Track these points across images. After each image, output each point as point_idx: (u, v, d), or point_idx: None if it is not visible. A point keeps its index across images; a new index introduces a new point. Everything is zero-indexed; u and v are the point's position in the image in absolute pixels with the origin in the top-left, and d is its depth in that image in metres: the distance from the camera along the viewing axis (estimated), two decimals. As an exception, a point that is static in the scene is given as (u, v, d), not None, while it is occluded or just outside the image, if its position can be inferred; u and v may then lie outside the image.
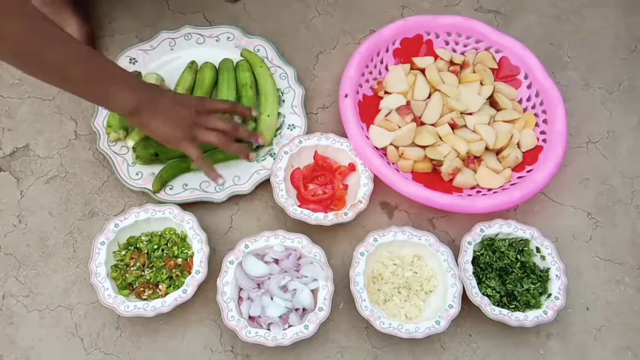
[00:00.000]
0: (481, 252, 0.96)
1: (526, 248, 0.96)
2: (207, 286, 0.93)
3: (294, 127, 1.06)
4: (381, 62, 1.11)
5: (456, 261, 0.94)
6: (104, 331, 0.93)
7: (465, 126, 1.06)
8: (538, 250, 0.96)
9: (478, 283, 0.93)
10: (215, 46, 1.12)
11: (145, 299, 0.92)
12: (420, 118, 1.06)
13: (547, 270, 0.95)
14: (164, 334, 0.93)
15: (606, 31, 1.23)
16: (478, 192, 1.01)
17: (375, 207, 1.03)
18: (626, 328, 0.96)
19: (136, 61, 1.09)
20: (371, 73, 1.10)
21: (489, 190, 1.01)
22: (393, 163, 1.03)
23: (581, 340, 0.95)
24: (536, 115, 1.07)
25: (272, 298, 0.91)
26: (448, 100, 1.07)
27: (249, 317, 0.91)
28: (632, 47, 1.21)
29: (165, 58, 1.11)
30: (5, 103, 1.09)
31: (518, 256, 0.95)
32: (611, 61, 1.19)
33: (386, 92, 1.09)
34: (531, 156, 1.04)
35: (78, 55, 0.79)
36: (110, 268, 0.93)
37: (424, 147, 1.04)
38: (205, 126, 0.91)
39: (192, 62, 1.10)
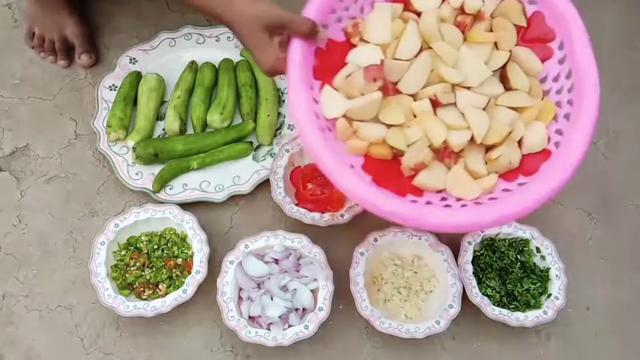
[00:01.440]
0: (481, 252, 0.96)
1: (526, 248, 0.96)
2: (207, 286, 0.93)
3: (295, 127, 1.06)
4: None
5: (456, 261, 0.94)
6: (104, 331, 0.93)
7: (454, 105, 0.77)
8: (538, 250, 0.96)
9: (478, 283, 0.93)
10: (215, 46, 1.12)
11: (145, 299, 0.92)
12: (396, 84, 0.77)
13: (547, 270, 0.94)
14: (164, 334, 0.93)
15: (606, 31, 1.23)
16: (443, 199, 0.75)
17: (375, 207, 1.03)
18: (626, 329, 0.96)
19: (136, 61, 1.09)
20: (347, 9, 0.79)
21: (458, 200, 0.74)
22: (343, 142, 0.76)
23: (581, 340, 0.95)
24: (558, 104, 0.77)
25: (272, 298, 0.91)
26: (440, 65, 0.77)
27: (249, 317, 0.91)
28: (632, 47, 1.21)
29: (166, 58, 1.11)
30: (5, 103, 1.09)
31: (518, 256, 0.95)
32: (611, 61, 1.19)
33: (362, 40, 0.79)
34: (531, 163, 0.76)
35: None
36: (110, 268, 0.93)
37: (389, 126, 0.76)
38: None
39: (192, 62, 1.10)
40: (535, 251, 0.96)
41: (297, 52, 0.73)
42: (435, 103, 0.76)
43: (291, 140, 1.02)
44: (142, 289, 0.93)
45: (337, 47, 0.78)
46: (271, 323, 0.89)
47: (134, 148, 1.00)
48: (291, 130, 1.06)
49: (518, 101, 0.78)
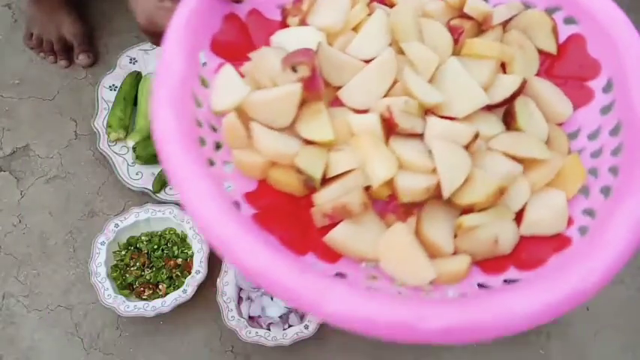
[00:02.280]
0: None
1: (526, 249, 0.93)
2: (207, 286, 0.93)
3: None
4: None
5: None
6: (104, 331, 0.93)
7: (420, 137, 0.49)
8: (538, 250, 0.93)
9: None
10: (215, 46, 1.12)
11: (145, 299, 0.92)
12: (339, 91, 0.51)
13: (547, 270, 0.93)
14: (164, 334, 0.93)
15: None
16: (369, 276, 0.46)
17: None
18: (626, 328, 0.96)
19: (136, 61, 1.10)
20: None
21: (392, 281, 0.45)
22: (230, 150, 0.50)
23: (581, 340, 0.95)
24: (593, 172, 0.50)
25: (272, 298, 0.91)
26: (409, 76, 0.49)
27: (249, 317, 0.91)
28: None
29: (166, 58, 1.11)
30: (5, 103, 1.09)
31: (519, 257, 0.92)
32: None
33: (303, 23, 0.55)
34: (534, 250, 0.47)
35: None
36: (110, 268, 0.93)
37: (309, 142, 0.49)
38: None
39: (192, 62, 1.10)
40: (535, 252, 0.93)
41: (192, 3, 0.50)
42: (390, 125, 0.48)
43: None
44: (142, 289, 0.93)
45: (263, 26, 0.55)
46: (271, 323, 0.89)
47: (134, 148, 1.00)
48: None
49: (525, 147, 0.49)
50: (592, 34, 0.53)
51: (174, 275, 0.94)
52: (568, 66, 0.55)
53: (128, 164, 1.01)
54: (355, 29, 0.54)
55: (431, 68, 0.51)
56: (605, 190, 0.47)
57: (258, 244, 0.38)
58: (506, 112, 0.52)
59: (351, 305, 0.37)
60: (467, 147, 0.48)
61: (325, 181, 0.48)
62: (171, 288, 0.93)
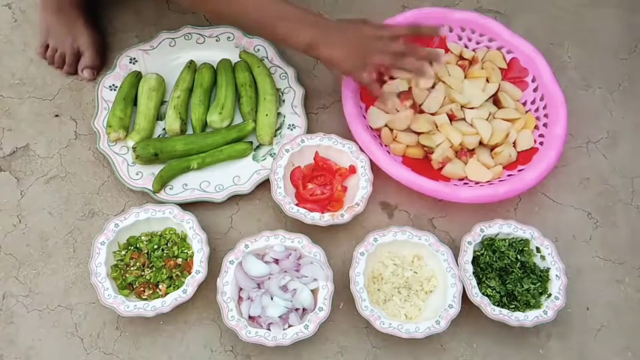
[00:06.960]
0: (481, 252, 0.96)
1: (526, 248, 0.96)
2: (207, 286, 0.93)
3: (294, 127, 1.06)
4: None
5: (456, 261, 0.94)
6: (104, 331, 0.93)
7: (464, 119, 1.06)
8: (538, 250, 0.96)
9: (478, 283, 0.93)
10: (215, 46, 1.12)
11: (145, 299, 0.92)
12: (420, 106, 1.07)
13: (547, 270, 0.95)
14: (164, 334, 0.93)
15: (606, 31, 1.23)
16: (465, 184, 1.01)
17: (375, 207, 1.03)
18: (626, 328, 0.96)
19: (136, 61, 1.10)
20: None
21: (477, 183, 1.01)
22: (385, 145, 1.04)
23: (581, 340, 0.95)
24: (537, 118, 1.06)
25: (272, 298, 0.91)
26: (451, 92, 1.07)
27: (249, 317, 0.91)
28: (632, 47, 1.21)
29: (166, 58, 1.11)
30: (5, 103, 1.09)
31: (519, 256, 0.95)
32: (611, 61, 1.19)
33: (391, 78, 1.07)
34: (525, 156, 1.04)
35: (253, 6, 0.90)
36: (110, 268, 0.93)
37: (419, 134, 1.04)
38: (380, 50, 0.94)
39: (191, 62, 1.10)
40: (535, 251, 0.96)
41: (350, 84, 1.04)
42: (451, 117, 1.06)
43: (291, 140, 1.02)
44: (142, 289, 0.93)
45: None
46: (271, 323, 0.89)
47: (134, 148, 1.00)
48: (291, 130, 1.06)
49: (509, 115, 1.07)
50: (521, 56, 1.10)
51: (174, 275, 0.94)
52: (513, 73, 1.12)
53: (128, 164, 1.01)
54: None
55: (459, 88, 1.09)
56: (545, 124, 1.05)
57: (425, 179, 0.97)
58: (494, 99, 1.10)
59: (469, 192, 0.97)
60: (487, 119, 1.06)
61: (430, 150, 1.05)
62: (172, 288, 0.93)
